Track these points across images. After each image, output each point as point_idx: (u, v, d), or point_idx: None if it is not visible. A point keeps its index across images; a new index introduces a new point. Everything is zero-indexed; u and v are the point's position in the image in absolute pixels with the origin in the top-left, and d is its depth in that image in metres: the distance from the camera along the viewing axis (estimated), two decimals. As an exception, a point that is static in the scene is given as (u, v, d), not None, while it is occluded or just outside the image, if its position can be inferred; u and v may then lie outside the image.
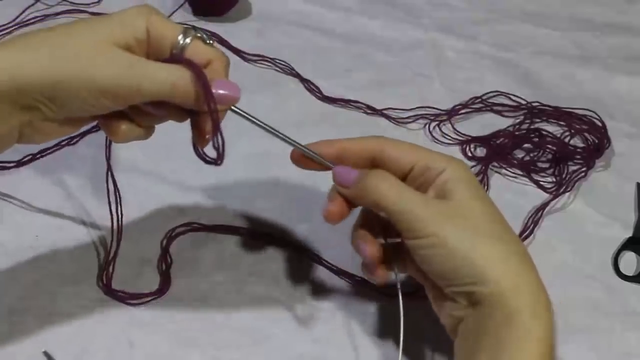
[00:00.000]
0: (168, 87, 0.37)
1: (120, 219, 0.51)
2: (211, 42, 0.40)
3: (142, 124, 0.40)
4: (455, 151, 0.65)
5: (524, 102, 0.70)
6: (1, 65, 0.35)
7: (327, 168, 0.43)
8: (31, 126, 0.38)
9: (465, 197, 0.40)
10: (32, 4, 0.78)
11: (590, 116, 0.68)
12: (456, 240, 0.38)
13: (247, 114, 0.40)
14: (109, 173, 0.53)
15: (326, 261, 0.52)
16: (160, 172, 0.58)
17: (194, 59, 0.38)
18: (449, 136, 0.66)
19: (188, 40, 0.38)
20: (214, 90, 0.37)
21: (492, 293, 0.37)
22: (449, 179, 0.41)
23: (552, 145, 0.64)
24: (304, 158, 0.43)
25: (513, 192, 0.61)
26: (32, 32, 0.37)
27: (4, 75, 0.35)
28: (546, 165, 0.63)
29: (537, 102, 0.70)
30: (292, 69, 0.72)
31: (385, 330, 0.48)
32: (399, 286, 0.43)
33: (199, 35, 0.39)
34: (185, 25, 0.39)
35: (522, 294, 0.37)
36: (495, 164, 0.63)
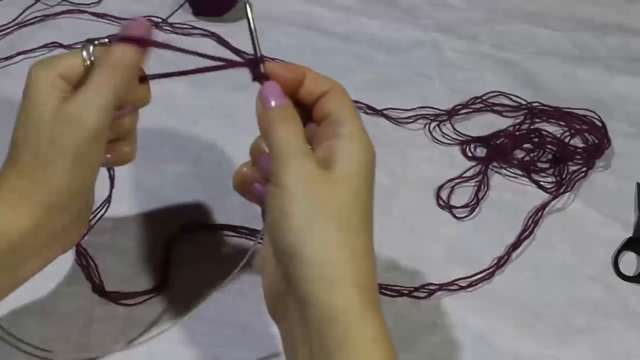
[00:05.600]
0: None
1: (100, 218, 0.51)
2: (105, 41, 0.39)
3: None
4: (456, 151, 0.65)
5: (524, 102, 0.70)
6: None
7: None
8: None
9: (347, 170, 0.35)
10: (32, 4, 0.78)
11: (590, 116, 0.68)
12: (305, 207, 0.34)
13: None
14: (111, 172, 0.53)
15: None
16: (160, 171, 0.58)
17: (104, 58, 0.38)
18: (449, 136, 0.66)
19: (91, 51, 0.38)
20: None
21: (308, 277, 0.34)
22: (338, 136, 0.36)
23: (552, 146, 0.64)
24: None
25: (513, 192, 0.61)
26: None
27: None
28: (546, 165, 0.63)
29: (537, 102, 0.70)
30: (292, 69, 0.72)
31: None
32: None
33: (96, 43, 0.39)
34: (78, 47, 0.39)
35: (341, 290, 0.33)
36: (495, 164, 0.63)
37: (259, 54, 0.38)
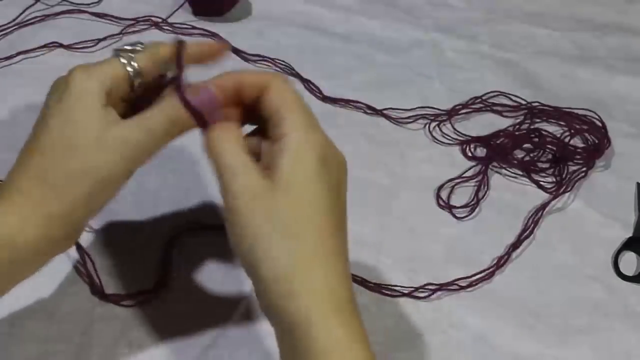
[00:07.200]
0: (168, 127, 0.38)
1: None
2: (140, 46, 0.39)
3: None
4: (455, 151, 0.65)
5: (524, 102, 0.70)
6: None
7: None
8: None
9: (288, 175, 0.35)
10: (32, 4, 0.78)
11: (590, 116, 0.68)
12: (252, 223, 0.34)
13: None
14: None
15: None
16: (159, 171, 0.58)
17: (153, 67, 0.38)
18: (449, 136, 0.66)
19: (133, 61, 0.38)
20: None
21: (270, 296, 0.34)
22: (283, 135, 0.36)
23: (552, 145, 0.64)
24: None
25: (513, 192, 0.61)
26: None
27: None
28: (546, 165, 0.63)
29: (537, 102, 0.70)
30: (292, 69, 0.72)
31: (375, 324, 0.49)
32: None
33: (131, 48, 0.38)
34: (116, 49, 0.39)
35: (300, 301, 0.33)
36: (495, 164, 0.63)
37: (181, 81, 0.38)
